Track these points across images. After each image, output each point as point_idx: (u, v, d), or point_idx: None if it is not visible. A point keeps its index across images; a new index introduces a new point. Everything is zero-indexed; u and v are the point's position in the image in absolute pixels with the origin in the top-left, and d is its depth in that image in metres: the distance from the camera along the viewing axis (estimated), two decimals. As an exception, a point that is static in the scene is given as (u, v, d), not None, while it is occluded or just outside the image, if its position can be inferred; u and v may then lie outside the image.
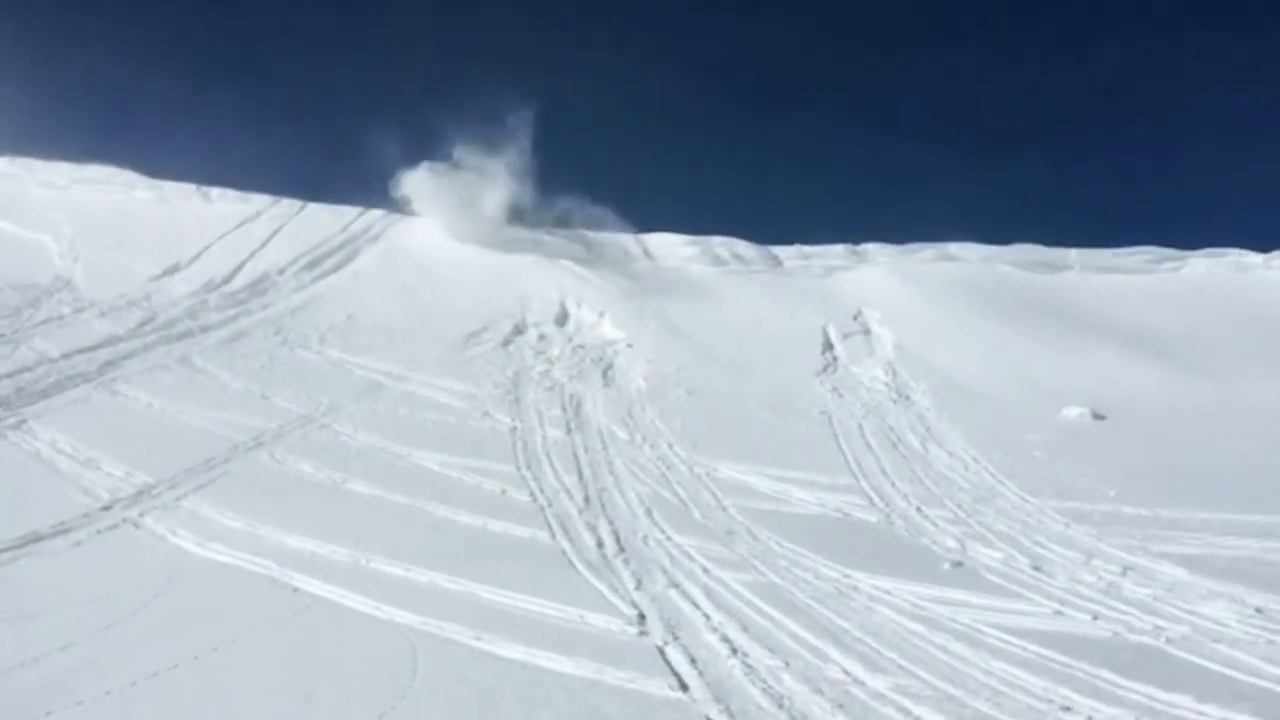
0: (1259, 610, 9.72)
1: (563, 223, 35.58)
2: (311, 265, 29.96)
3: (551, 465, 15.45)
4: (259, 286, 27.40)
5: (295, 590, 10.16)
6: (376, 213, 35.42)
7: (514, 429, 17.49)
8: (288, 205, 35.79)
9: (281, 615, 9.54)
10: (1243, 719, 7.39)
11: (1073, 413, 19.29)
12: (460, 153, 34.56)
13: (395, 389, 19.72)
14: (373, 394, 19.20)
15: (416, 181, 34.60)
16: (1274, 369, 22.58)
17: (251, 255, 30.08)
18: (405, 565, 10.81)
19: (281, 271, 28.97)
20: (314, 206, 36.00)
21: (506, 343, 24.13)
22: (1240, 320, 27.72)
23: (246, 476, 14.16)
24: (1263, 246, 34.25)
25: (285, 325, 24.06)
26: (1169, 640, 9.06)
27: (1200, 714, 7.50)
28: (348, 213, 35.44)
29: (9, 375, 18.03)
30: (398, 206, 34.81)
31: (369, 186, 36.00)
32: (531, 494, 13.98)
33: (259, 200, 35.99)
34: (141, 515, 12.22)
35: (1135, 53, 61.99)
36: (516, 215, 34.75)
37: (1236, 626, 9.37)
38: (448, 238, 32.63)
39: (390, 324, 24.86)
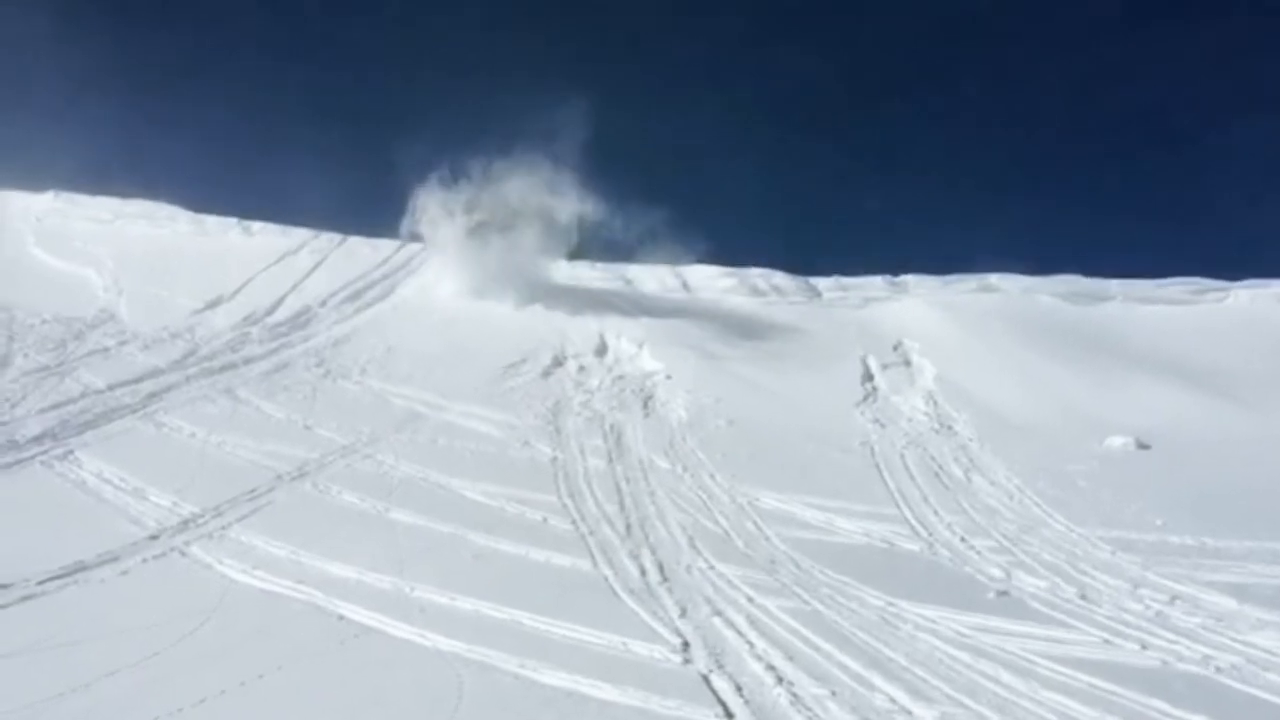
0: (1310, 640, 9.61)
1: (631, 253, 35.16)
2: (352, 298, 30.23)
3: (593, 494, 15.46)
4: (300, 319, 27.63)
5: (341, 618, 10.20)
6: (415, 245, 35.68)
7: (555, 458, 17.51)
8: (328, 239, 36.17)
9: (327, 643, 9.58)
10: (1298, 749, 7.29)
11: (1117, 442, 19.11)
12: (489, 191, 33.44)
13: (435, 419, 19.79)
14: (413, 424, 19.28)
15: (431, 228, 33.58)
16: (1318, 399, 22.36)
17: (293, 288, 30.37)
18: (449, 594, 10.84)
19: (323, 304, 29.24)
20: (354, 240, 36.36)
21: (546, 374, 24.19)
22: (1282, 351, 27.45)
23: (290, 506, 14.25)
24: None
25: (327, 357, 24.23)
26: (1219, 669, 8.94)
27: (1255, 744, 7.40)
28: (387, 246, 35.74)
29: (55, 407, 18.25)
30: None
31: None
32: (573, 522, 13.98)
33: (300, 234, 36.39)
34: (188, 544, 12.31)
35: (1172, 83, 61.68)
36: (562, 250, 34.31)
37: (1287, 656, 9.25)
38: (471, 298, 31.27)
39: (429, 355, 24.97)
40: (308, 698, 8.33)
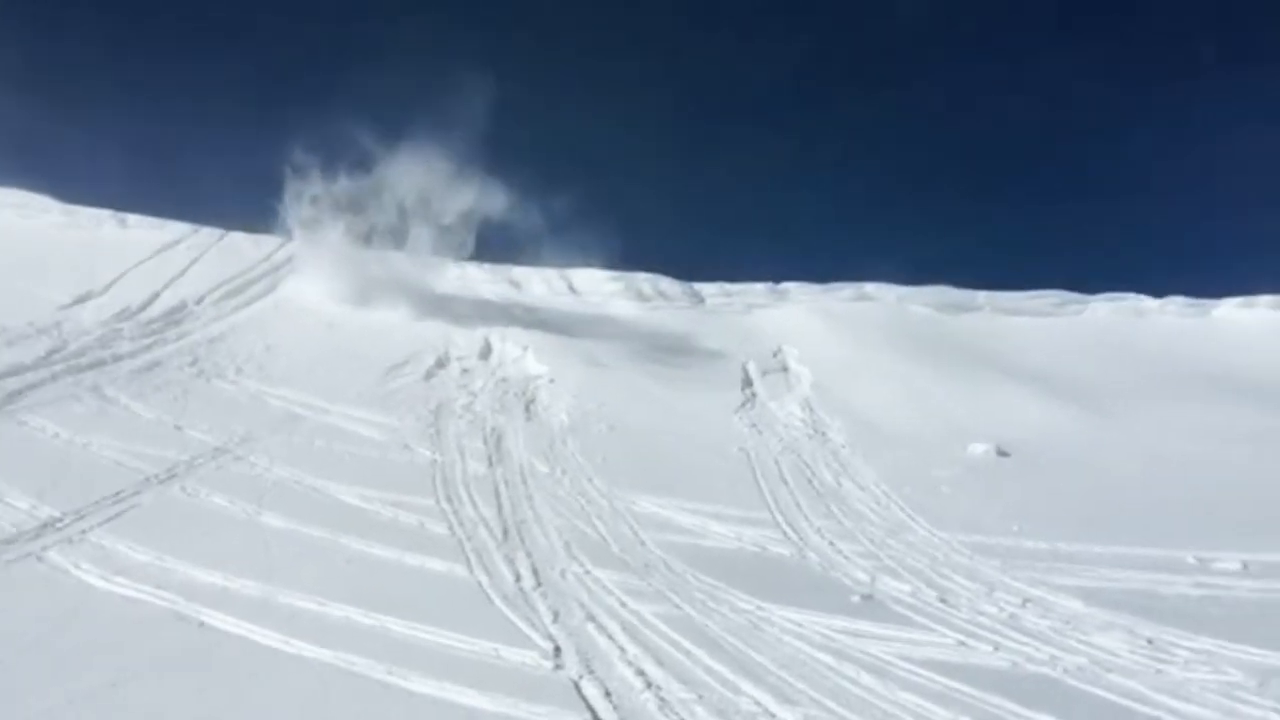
0: (1150, 641, 10.05)
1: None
2: (231, 295, 29.66)
3: (471, 498, 15.46)
4: (175, 316, 27.02)
5: (202, 625, 10.04)
6: (298, 243, 35.13)
7: (434, 462, 17.47)
8: (208, 234, 35.46)
9: (186, 651, 9.41)
10: (1134, 748, 7.64)
11: (979, 449, 19.68)
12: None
13: (314, 421, 19.59)
14: (290, 426, 19.07)
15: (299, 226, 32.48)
16: (1166, 409, 23.22)
17: (169, 284, 29.63)
18: (319, 600, 10.76)
19: (199, 301, 28.62)
20: (235, 235, 35.71)
21: (429, 376, 24.07)
22: (1137, 362, 28.52)
23: (157, 509, 13.96)
24: (1158, 291, 35.49)
25: (201, 355, 23.78)
26: (1065, 670, 9.31)
27: (1095, 743, 7.74)
28: (270, 242, 35.15)
29: (-86, 405, 17.69)
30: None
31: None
32: (450, 527, 13.98)
33: (178, 228, 35.61)
34: (45, 549, 11.97)
35: (1040, 100, 63.49)
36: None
37: (1128, 657, 9.66)
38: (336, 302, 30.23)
39: (310, 355, 24.68)
40: (162, 709, 8.19)
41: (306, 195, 32.25)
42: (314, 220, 32.30)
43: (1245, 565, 12.66)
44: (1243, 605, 11.35)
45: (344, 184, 32.39)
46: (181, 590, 10.87)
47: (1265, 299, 34.51)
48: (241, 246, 34.67)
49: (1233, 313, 34.22)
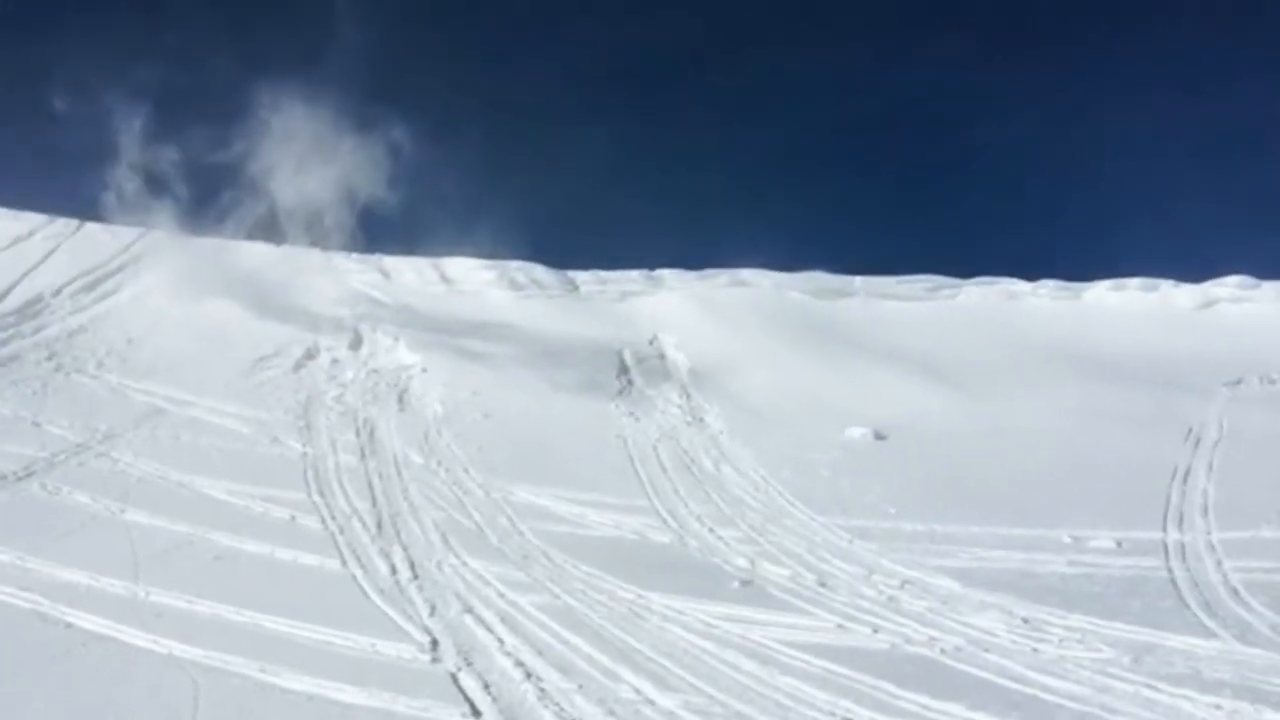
0: (1025, 620, 10.23)
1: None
2: (89, 287, 28.61)
3: (344, 491, 15.15)
4: (31, 309, 26.02)
5: (68, 626, 9.69)
6: (160, 233, 34.11)
7: (305, 455, 17.09)
8: (64, 224, 34.14)
9: (52, 652, 9.07)
10: (1011, 724, 7.74)
11: (856, 433, 19.91)
12: None
13: (178, 415, 19.05)
14: (154, 420, 18.50)
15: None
16: (1039, 391, 23.76)
17: (23, 276, 28.52)
18: (187, 597, 10.44)
19: (56, 293, 27.58)
20: (92, 226, 34.49)
21: (298, 367, 23.54)
22: (1010, 344, 29.16)
23: (15, 508, 13.48)
24: (1030, 275, 36.29)
25: (60, 349, 22.97)
26: (943, 651, 9.42)
27: (972, 721, 7.82)
28: (129, 233, 34.05)
29: None
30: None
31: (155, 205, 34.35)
32: (322, 520, 13.68)
33: (32, 218, 34.21)
34: (-104, 551, 11.46)
35: (916, 85, 64.64)
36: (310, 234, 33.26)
37: (1005, 636, 9.83)
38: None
39: (175, 348, 23.97)
40: (28, 711, 7.87)
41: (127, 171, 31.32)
42: (138, 203, 31.43)
43: (1118, 543, 12.99)
44: (1116, 583, 11.63)
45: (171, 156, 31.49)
46: (45, 591, 10.48)
47: (1135, 281, 35.49)
48: (99, 237, 33.44)
49: (1104, 295, 35.16)
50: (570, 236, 54.95)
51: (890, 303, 33.76)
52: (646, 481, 16.50)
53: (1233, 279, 34.90)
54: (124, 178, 31.23)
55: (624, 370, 25.47)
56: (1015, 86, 61.23)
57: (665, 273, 35.24)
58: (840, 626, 10.15)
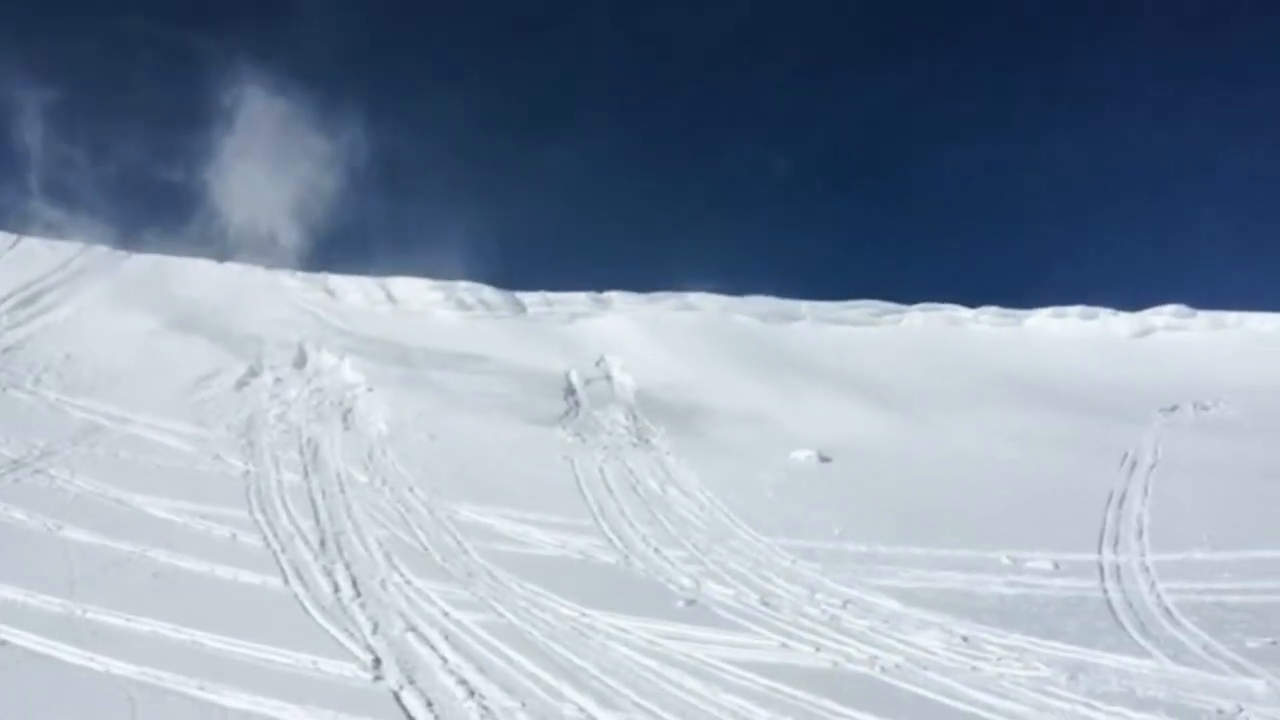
0: (965, 639, 10.33)
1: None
2: (27, 302, 28.25)
3: (286, 509, 15.03)
4: (-33, 325, 25.69)
5: (2, 643, 9.51)
6: (101, 249, 33.84)
7: (247, 473, 16.94)
8: (1, 239, 33.81)
9: (-14, 670, 8.93)
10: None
11: (801, 455, 20.05)
12: None
13: (118, 432, 18.83)
14: (92, 437, 18.27)
15: None
16: (981, 415, 24.11)
17: (-40, 291, 28.20)
18: (125, 615, 10.29)
19: (-8, 309, 27.25)
20: (30, 240, 34.12)
21: (241, 385, 23.36)
22: (952, 370, 29.55)
23: (-51, 524, 13.24)
24: (972, 302, 36.81)
25: (-4, 365, 22.64)
26: (884, 669, 9.49)
27: (914, 738, 7.89)
28: (69, 248, 33.72)
29: None
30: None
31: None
32: (264, 539, 13.55)
33: (-34, 235, 33.90)
34: None
35: (860, 114, 65.32)
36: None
37: (944, 654, 9.92)
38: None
39: (114, 365, 23.70)
40: (-39, 730, 7.75)
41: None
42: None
43: (1056, 564, 13.16)
44: (1053, 603, 11.79)
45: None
46: (-22, 607, 10.29)
47: (1075, 309, 36.10)
48: (37, 252, 33.11)
49: (1044, 322, 35.72)
50: (518, 257, 54.89)
51: (836, 327, 34.09)
52: (592, 502, 16.51)
53: (1169, 308, 35.58)
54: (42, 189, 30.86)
55: (571, 391, 25.50)
56: (959, 118, 62.15)
57: (613, 295, 35.38)
58: (783, 645, 10.19)
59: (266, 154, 31.60)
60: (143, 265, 33.42)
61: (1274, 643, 9.96)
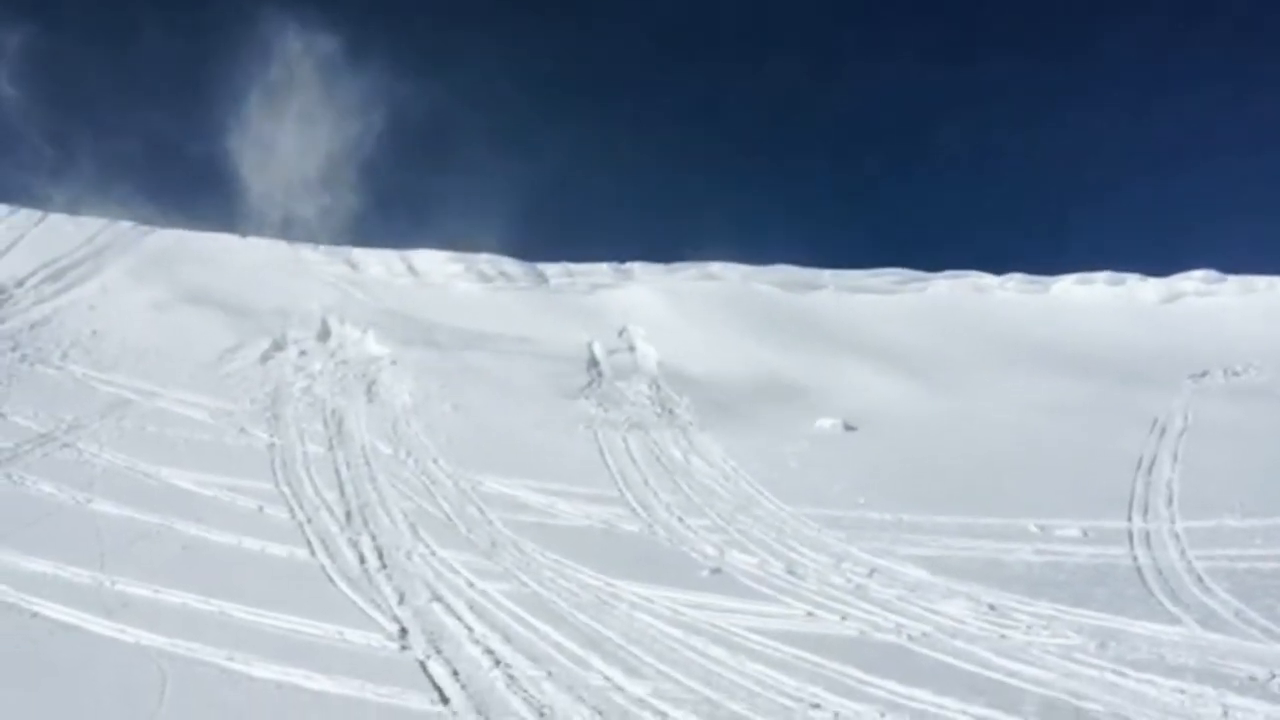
0: (992, 607, 10.28)
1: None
2: (53, 278, 28.40)
3: (312, 481, 15.09)
4: (-6, 300, 25.83)
5: (35, 615, 9.60)
6: (125, 224, 33.95)
7: (272, 445, 17.00)
8: (26, 215, 33.97)
9: (19, 642, 8.99)
10: (977, 709, 7.77)
11: (825, 424, 19.97)
12: None
13: (145, 406, 18.91)
14: (120, 411, 18.36)
15: None
16: (1007, 382, 23.94)
17: (-13, 267, 28.36)
18: (154, 587, 10.36)
19: (20, 284, 27.36)
20: (56, 217, 34.27)
21: (265, 359, 23.41)
22: (978, 337, 29.35)
23: (-20, 498, 13.34)
24: (998, 269, 36.52)
25: (24, 340, 22.76)
26: (910, 638, 9.47)
27: (939, 706, 7.85)
28: (93, 224, 33.85)
29: None
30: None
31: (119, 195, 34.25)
32: (290, 510, 13.61)
33: (-5, 209, 34.06)
34: None
35: (884, 81, 64.81)
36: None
37: (972, 623, 9.88)
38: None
39: (140, 339, 23.79)
40: (-5, 701, 7.81)
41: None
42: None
43: (1084, 532, 13.07)
44: (1082, 570, 11.71)
45: None
46: (11, 580, 10.38)
47: (1102, 275, 35.75)
48: (63, 228, 33.25)
49: (1070, 289, 35.40)
50: (540, 229, 54.81)
51: (859, 295, 33.89)
52: (616, 472, 16.50)
53: (1198, 273, 35.20)
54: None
55: (593, 362, 25.46)
56: (984, 83, 61.64)
57: (634, 265, 35.27)
58: (809, 614, 10.18)
59: (290, 118, 31.50)
60: (166, 241, 33.50)
61: (1306, 609, 9.89)
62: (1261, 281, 34.76)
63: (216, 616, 9.75)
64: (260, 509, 13.66)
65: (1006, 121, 61.09)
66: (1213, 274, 35.12)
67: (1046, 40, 64.05)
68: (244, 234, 35.25)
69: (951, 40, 63.98)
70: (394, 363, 23.76)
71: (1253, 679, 8.17)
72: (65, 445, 16.00)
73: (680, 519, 13.99)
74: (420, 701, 7.96)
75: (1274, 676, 8.15)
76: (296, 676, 8.35)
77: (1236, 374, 25.11)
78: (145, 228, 34.04)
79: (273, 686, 8.20)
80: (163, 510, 13.20)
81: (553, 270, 34.59)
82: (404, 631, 9.49)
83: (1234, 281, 34.76)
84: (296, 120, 31.93)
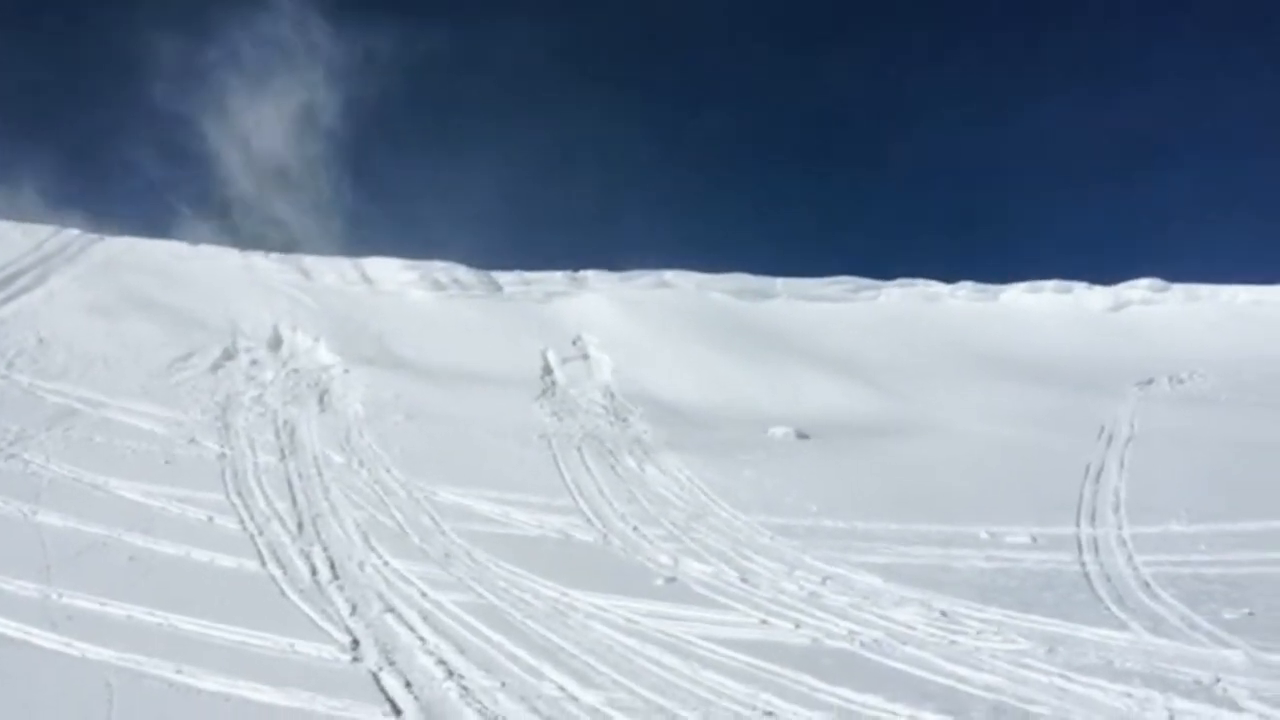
0: (943, 613, 10.35)
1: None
2: (-1, 285, 28.06)
3: (263, 492, 14.96)
4: (-62, 309, 25.47)
5: (-23, 629, 9.46)
6: (73, 231, 33.57)
7: (223, 455, 16.85)
8: (-30, 222, 33.57)
9: (-39, 656, 8.85)
10: (927, 715, 7.81)
11: (779, 432, 20.06)
12: None
13: (92, 416, 18.69)
14: (66, 421, 18.13)
15: None
16: (958, 389, 24.18)
17: (-71, 275, 27.97)
18: (100, 599, 10.22)
19: (-36, 292, 27.01)
20: (2, 224, 33.83)
21: (216, 368, 23.23)
22: (930, 345, 29.62)
23: (-77, 510, 13.13)
24: (949, 277, 36.96)
25: (-32, 350, 22.45)
26: (863, 645, 9.51)
27: (891, 713, 7.88)
28: (41, 231, 33.44)
29: None
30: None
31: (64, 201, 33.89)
32: (241, 521, 13.48)
33: (-63, 216, 33.62)
34: None
35: (834, 91, 65.32)
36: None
37: (923, 629, 9.94)
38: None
39: (88, 348, 23.52)
40: (-65, 717, 7.68)
41: None
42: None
43: (1034, 538, 13.19)
44: (1032, 577, 11.81)
45: None
46: (-48, 594, 10.21)
47: (1050, 284, 36.27)
48: (9, 235, 32.82)
49: (1020, 297, 35.83)
50: (494, 237, 54.76)
51: (812, 304, 34.10)
52: (570, 481, 16.48)
53: (1144, 282, 35.73)
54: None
55: (548, 370, 25.46)
56: (934, 95, 62.26)
57: (588, 273, 35.29)
58: (763, 622, 10.20)
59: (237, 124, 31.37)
60: (114, 248, 33.17)
61: (1251, 614, 10.01)
62: (1205, 290, 35.32)
63: (164, 629, 9.63)
64: (210, 520, 13.53)
65: (957, 132, 61.79)
66: (1158, 282, 35.66)
67: (996, 48, 64.83)
68: (194, 241, 34.98)
69: (903, 47, 64.61)
70: (347, 371, 23.65)
71: (1198, 683, 8.26)
72: (10, 456, 15.79)
73: (635, 528, 14.00)
74: (372, 714, 7.90)
75: (1218, 681, 8.25)
76: (246, 689, 8.25)
77: (1181, 381, 25.47)
78: (93, 235, 33.70)
79: (221, 699, 8.11)
80: (110, 522, 13.03)
81: (507, 278, 34.52)
82: (356, 643, 9.42)
83: (1179, 290, 35.31)
84: (241, 130, 31.68)
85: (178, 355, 23.64)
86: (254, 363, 23.99)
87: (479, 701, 8.16)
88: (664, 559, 12.55)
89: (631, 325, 29.65)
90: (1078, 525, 13.96)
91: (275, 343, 25.82)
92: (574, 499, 15.45)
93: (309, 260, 34.55)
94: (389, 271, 34.03)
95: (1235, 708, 7.69)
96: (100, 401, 19.65)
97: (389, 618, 10.19)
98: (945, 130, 62.20)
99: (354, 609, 10.39)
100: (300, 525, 13.51)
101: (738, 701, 8.17)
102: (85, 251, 32.26)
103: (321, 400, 21.34)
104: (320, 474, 16.17)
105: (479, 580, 11.50)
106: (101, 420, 18.52)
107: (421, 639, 9.60)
